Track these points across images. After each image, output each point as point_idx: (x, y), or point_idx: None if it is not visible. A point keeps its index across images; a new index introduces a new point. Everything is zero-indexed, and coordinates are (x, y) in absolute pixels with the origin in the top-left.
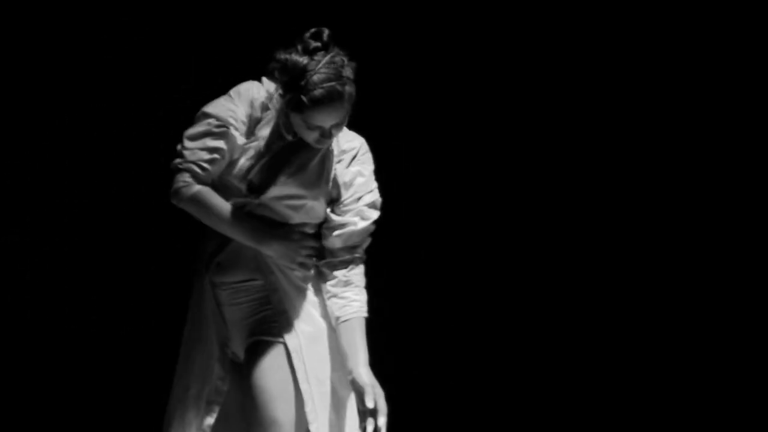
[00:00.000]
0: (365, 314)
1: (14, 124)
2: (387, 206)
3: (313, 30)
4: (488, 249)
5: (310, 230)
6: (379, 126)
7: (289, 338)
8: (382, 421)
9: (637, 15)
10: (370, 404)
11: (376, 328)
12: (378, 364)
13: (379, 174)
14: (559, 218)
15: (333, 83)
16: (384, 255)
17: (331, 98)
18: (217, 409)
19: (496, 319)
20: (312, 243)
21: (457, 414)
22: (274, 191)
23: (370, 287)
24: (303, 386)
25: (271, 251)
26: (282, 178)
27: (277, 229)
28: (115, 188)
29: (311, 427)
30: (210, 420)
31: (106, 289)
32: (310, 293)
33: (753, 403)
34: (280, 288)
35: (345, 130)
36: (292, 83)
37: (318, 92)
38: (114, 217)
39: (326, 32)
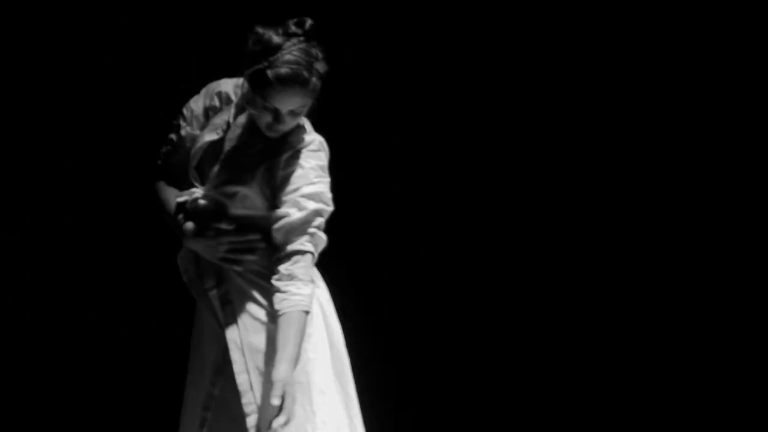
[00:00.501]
0: (305, 308)
1: (14, 123)
2: (387, 207)
3: (297, 18)
4: (488, 249)
5: (226, 226)
6: (379, 126)
7: (229, 330)
8: (281, 420)
9: (632, 14)
10: (273, 401)
11: (376, 328)
12: (378, 364)
13: (380, 174)
14: (559, 219)
15: (301, 67)
16: (384, 255)
17: (295, 80)
18: (209, 414)
19: (496, 320)
20: (232, 238)
21: (457, 414)
22: (213, 177)
23: (370, 288)
24: (239, 378)
25: (193, 247)
26: (220, 160)
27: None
28: (115, 188)
29: (248, 420)
30: (205, 427)
31: (106, 289)
32: (263, 286)
33: (753, 403)
34: (227, 281)
35: (308, 128)
36: (262, 55)
37: (284, 70)
38: (114, 217)
39: (309, 22)
